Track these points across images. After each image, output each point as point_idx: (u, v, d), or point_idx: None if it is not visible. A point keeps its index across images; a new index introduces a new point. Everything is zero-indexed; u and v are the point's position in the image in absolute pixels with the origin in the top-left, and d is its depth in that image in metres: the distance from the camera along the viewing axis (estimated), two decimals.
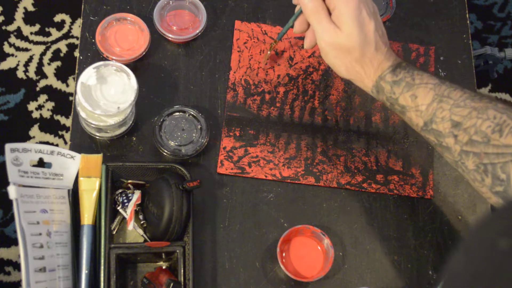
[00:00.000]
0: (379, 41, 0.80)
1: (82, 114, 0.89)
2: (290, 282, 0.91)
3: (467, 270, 0.52)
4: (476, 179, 0.73)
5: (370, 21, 0.79)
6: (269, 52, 0.97)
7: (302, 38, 1.04)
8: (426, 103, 0.76)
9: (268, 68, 1.01)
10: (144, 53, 0.98)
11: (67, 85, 1.66)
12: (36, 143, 1.19)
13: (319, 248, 0.92)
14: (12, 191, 0.79)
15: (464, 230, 0.97)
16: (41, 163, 0.85)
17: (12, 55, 1.68)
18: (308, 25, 0.86)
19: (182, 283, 0.84)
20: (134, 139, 0.95)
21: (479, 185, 0.73)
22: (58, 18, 1.73)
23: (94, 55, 0.98)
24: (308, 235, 0.92)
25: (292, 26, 0.88)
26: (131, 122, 0.94)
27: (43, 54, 1.68)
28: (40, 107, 1.63)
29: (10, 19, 1.72)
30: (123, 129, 0.94)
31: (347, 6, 0.78)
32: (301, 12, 0.85)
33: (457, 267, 0.59)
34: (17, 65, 1.67)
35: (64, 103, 1.65)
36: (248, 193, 0.95)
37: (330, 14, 0.80)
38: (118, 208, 0.89)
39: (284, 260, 0.90)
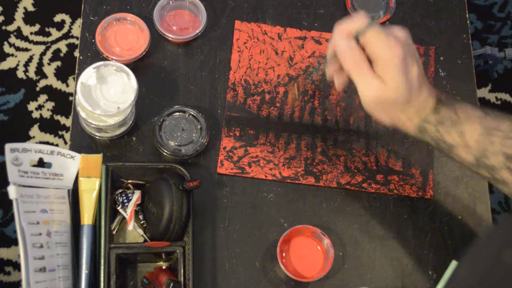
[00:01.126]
0: (421, 83, 0.75)
1: (82, 114, 0.89)
2: (290, 282, 0.91)
3: (471, 281, 0.52)
4: None
5: (413, 67, 0.74)
6: (297, 94, 0.90)
7: (301, 38, 1.04)
8: (474, 139, 0.73)
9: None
10: (144, 53, 0.98)
11: (67, 85, 1.66)
12: (36, 143, 1.19)
13: (319, 248, 0.92)
14: (12, 191, 0.79)
15: (464, 230, 0.97)
16: (41, 163, 0.85)
17: (12, 55, 1.68)
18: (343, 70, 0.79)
19: (182, 283, 0.84)
20: (134, 139, 0.95)
21: None
22: (58, 18, 1.72)
23: (94, 55, 0.98)
24: (308, 235, 0.92)
25: (321, 70, 0.82)
26: (131, 122, 0.94)
27: (43, 54, 1.68)
28: (40, 107, 1.63)
29: (10, 19, 1.71)
30: (123, 129, 0.94)
31: (393, 58, 0.72)
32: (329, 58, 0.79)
33: (461, 279, 0.59)
34: (17, 65, 1.67)
35: (64, 103, 1.65)
36: (248, 193, 0.95)
37: (370, 63, 0.75)
38: (118, 208, 0.89)
39: (284, 260, 0.90)
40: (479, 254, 0.61)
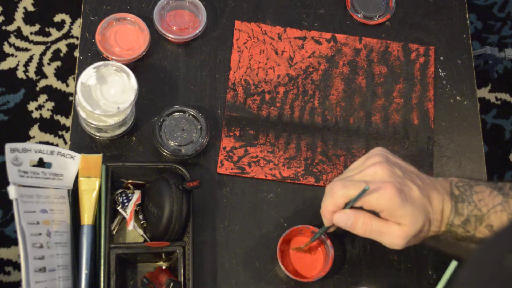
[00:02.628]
0: (427, 191, 0.75)
1: (82, 114, 0.89)
2: (290, 282, 0.91)
3: (473, 286, 0.51)
4: None
5: (412, 189, 0.74)
6: (302, 247, 0.90)
7: (301, 38, 1.04)
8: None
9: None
10: (144, 53, 0.98)
11: (67, 85, 1.66)
12: (36, 143, 1.19)
13: (319, 248, 0.92)
14: (12, 191, 0.79)
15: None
16: (41, 163, 0.85)
17: (12, 55, 1.68)
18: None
19: (182, 283, 0.84)
20: (134, 139, 0.95)
21: None
22: (58, 18, 1.73)
23: (94, 55, 0.98)
24: (308, 235, 0.92)
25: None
26: (131, 122, 0.94)
27: (43, 54, 1.68)
28: (40, 107, 1.63)
29: (10, 19, 1.71)
30: (123, 129, 0.94)
31: (392, 200, 0.72)
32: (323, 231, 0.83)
33: (463, 283, 0.59)
34: (17, 65, 1.67)
35: (64, 103, 1.65)
36: (248, 193, 0.95)
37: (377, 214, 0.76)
38: (118, 208, 0.89)
39: (284, 260, 0.90)
40: (481, 259, 0.61)
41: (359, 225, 0.75)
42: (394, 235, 0.74)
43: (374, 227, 0.75)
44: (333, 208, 0.77)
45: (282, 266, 0.88)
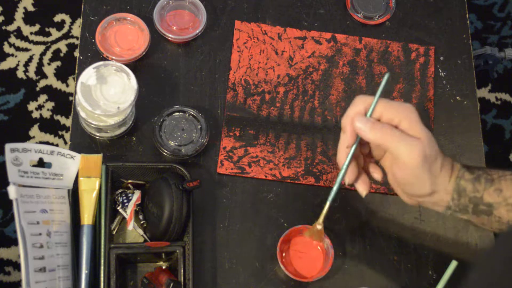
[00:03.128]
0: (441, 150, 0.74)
1: (82, 114, 0.89)
2: (290, 282, 0.91)
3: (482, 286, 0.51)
4: None
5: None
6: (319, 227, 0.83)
7: (301, 38, 1.04)
8: None
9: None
10: (144, 53, 0.98)
11: (67, 85, 1.66)
12: (36, 143, 1.19)
13: (319, 248, 0.92)
14: (12, 191, 0.79)
15: (464, 230, 0.97)
16: (41, 163, 0.85)
17: (12, 55, 1.68)
18: (360, 169, 0.76)
19: (182, 283, 0.84)
20: (134, 139, 0.95)
21: None
22: (58, 18, 1.73)
23: (94, 55, 0.98)
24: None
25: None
26: (131, 122, 0.94)
27: (43, 54, 1.68)
28: (40, 107, 1.63)
29: (10, 19, 1.71)
30: (123, 129, 0.94)
31: (413, 113, 0.71)
32: (348, 164, 0.74)
33: (472, 284, 0.59)
34: (17, 65, 1.67)
35: (64, 103, 1.65)
36: (248, 193, 0.95)
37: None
38: (118, 208, 0.89)
39: (284, 260, 0.90)
40: (491, 260, 0.61)
41: (379, 126, 0.70)
42: (413, 145, 0.69)
43: (395, 132, 0.70)
44: (354, 115, 0.72)
45: (282, 266, 0.88)
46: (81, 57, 0.99)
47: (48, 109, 1.63)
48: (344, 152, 0.74)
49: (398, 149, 0.70)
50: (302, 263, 0.91)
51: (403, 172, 0.72)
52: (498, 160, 1.75)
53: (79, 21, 1.66)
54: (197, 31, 1.00)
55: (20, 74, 1.66)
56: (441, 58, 1.06)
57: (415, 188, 0.74)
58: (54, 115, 1.63)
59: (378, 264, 0.94)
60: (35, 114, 1.63)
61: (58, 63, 1.68)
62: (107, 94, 0.87)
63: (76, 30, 1.72)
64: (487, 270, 0.60)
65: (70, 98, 1.66)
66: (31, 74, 1.66)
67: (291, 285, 0.91)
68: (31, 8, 1.73)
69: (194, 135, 0.93)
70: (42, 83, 1.66)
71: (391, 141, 0.70)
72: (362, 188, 0.76)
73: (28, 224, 0.79)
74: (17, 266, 1.49)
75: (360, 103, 0.73)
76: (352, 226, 0.95)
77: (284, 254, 0.91)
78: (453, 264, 0.92)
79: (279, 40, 1.03)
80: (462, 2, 1.10)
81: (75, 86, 0.88)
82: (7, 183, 0.79)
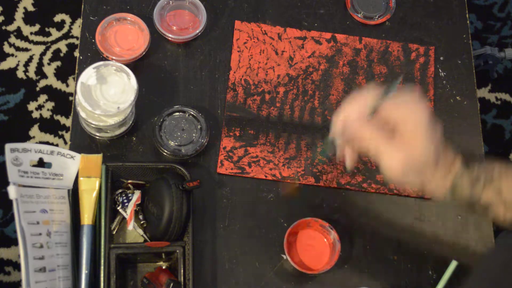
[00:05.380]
0: (446, 142, 0.73)
1: (82, 114, 0.89)
2: (291, 282, 0.91)
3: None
4: None
5: (437, 127, 0.71)
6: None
7: (301, 38, 1.04)
8: None
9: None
10: (144, 53, 0.98)
11: (67, 85, 1.66)
12: (36, 143, 1.19)
13: (325, 241, 0.92)
14: (12, 191, 0.79)
15: (464, 230, 0.96)
16: (41, 163, 0.85)
17: (12, 55, 1.68)
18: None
19: (182, 283, 0.84)
20: (134, 139, 0.95)
21: None
22: (58, 18, 1.72)
23: (94, 55, 0.98)
24: (316, 228, 0.92)
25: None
26: (131, 122, 0.94)
27: (43, 54, 1.68)
28: (40, 107, 1.63)
29: (10, 19, 1.71)
30: (123, 129, 0.94)
31: (421, 121, 0.70)
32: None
33: (473, 284, 0.58)
34: (17, 65, 1.67)
35: (64, 103, 1.65)
36: (248, 193, 0.95)
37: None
38: (118, 208, 0.89)
39: (290, 252, 0.91)
40: (489, 264, 0.61)
41: (374, 129, 0.71)
42: (397, 153, 0.70)
43: (382, 137, 0.71)
44: (361, 104, 0.72)
45: (288, 258, 0.88)
46: (81, 57, 0.99)
47: (48, 109, 1.63)
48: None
49: (381, 155, 0.71)
50: (308, 256, 0.91)
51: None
52: (498, 160, 1.75)
53: (79, 21, 1.66)
54: (197, 31, 1.00)
55: (20, 74, 1.66)
56: (441, 58, 1.06)
57: (402, 183, 0.74)
58: (54, 115, 1.63)
59: (378, 264, 0.94)
60: (35, 114, 1.63)
61: (58, 63, 1.68)
62: (107, 94, 0.87)
63: (76, 30, 1.72)
64: (485, 274, 0.60)
65: (70, 98, 1.66)
66: (31, 74, 1.66)
67: (291, 285, 0.91)
68: (31, 8, 1.72)
69: (194, 135, 0.93)
70: (42, 83, 1.66)
71: (375, 148, 0.71)
72: (349, 162, 0.77)
73: (28, 224, 0.79)
74: (17, 266, 1.49)
75: (370, 96, 0.72)
76: (352, 226, 0.95)
77: (290, 246, 0.91)
78: (453, 264, 0.92)
79: (279, 40, 1.03)
80: (462, 2, 1.10)
81: (75, 86, 0.88)
82: (7, 183, 0.79)
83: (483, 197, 0.73)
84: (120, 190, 0.90)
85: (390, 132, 0.71)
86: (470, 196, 0.73)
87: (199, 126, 0.94)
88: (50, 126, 1.62)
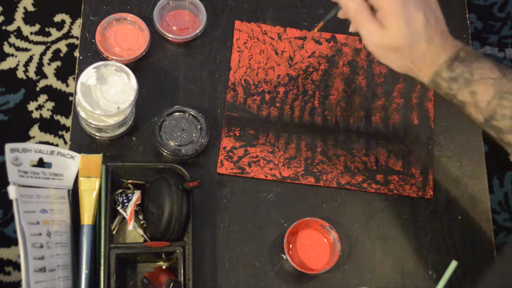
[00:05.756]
0: (432, 33, 0.75)
1: (82, 114, 0.89)
2: (291, 282, 0.91)
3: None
4: None
5: (418, 14, 0.74)
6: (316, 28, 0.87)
7: (301, 38, 1.04)
8: (486, 100, 0.73)
9: (268, 68, 1.00)
10: (144, 53, 0.98)
11: (67, 85, 1.66)
12: (36, 143, 1.19)
13: (325, 241, 0.92)
14: (12, 191, 0.79)
15: (464, 230, 0.97)
16: (41, 163, 0.85)
17: (12, 55, 1.68)
18: None
19: (182, 283, 0.84)
20: (134, 139, 0.95)
21: None
22: (58, 18, 1.72)
23: (94, 55, 0.98)
24: (316, 228, 0.92)
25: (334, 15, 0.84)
26: (131, 122, 0.94)
27: (43, 54, 1.68)
28: (40, 107, 1.63)
29: (10, 19, 1.71)
30: (123, 129, 0.94)
31: (393, 3, 0.73)
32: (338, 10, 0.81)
33: (491, 283, 0.59)
34: (17, 65, 1.67)
35: (64, 103, 1.65)
36: (248, 193, 0.95)
37: (374, 12, 0.76)
38: (118, 208, 0.89)
39: (290, 252, 0.91)
40: (504, 268, 0.61)
41: (356, 4, 0.75)
42: (373, 31, 0.75)
43: (363, 13, 0.75)
44: None
45: (288, 258, 0.88)
46: (81, 57, 0.99)
47: (48, 109, 1.63)
48: None
49: (360, 31, 0.76)
50: (308, 256, 0.91)
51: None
52: (498, 161, 1.75)
53: (79, 21, 1.66)
54: (197, 31, 1.00)
55: (20, 74, 1.66)
56: None
57: (387, 65, 0.79)
58: (54, 115, 1.63)
59: (378, 264, 0.94)
60: (35, 114, 1.63)
61: (58, 63, 1.68)
62: (107, 94, 0.87)
63: (76, 30, 1.72)
64: (502, 274, 0.60)
65: (70, 98, 1.66)
66: (31, 74, 1.66)
67: (291, 285, 0.91)
68: (31, 8, 1.73)
69: (194, 135, 0.93)
70: (42, 83, 1.66)
71: (356, 23, 0.76)
72: (352, 27, 0.80)
73: (28, 224, 0.79)
74: (17, 266, 1.49)
75: None
76: (352, 226, 0.95)
77: (291, 246, 0.91)
78: (453, 264, 0.92)
79: (279, 40, 1.03)
80: (462, 2, 1.10)
81: (75, 86, 0.88)
82: (7, 183, 0.79)
83: (459, 96, 0.75)
84: (120, 190, 0.90)
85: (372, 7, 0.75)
86: (447, 92, 0.76)
87: (199, 126, 0.94)
88: (50, 126, 1.62)
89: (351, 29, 0.80)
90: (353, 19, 0.76)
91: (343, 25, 1.06)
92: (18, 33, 1.70)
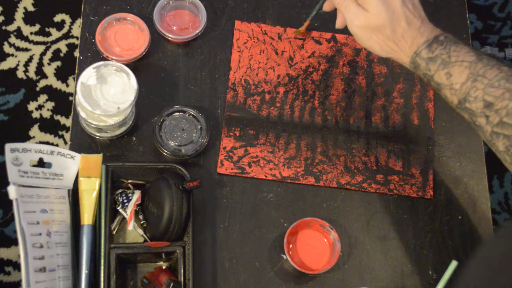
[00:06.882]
0: (410, 15, 0.80)
1: (82, 114, 0.89)
2: (291, 282, 0.91)
3: (481, 281, 0.52)
4: (506, 160, 0.74)
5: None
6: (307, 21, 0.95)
7: (301, 38, 1.04)
8: (460, 82, 0.76)
9: (268, 68, 1.01)
10: (144, 53, 0.98)
11: (67, 85, 1.66)
12: (36, 143, 1.19)
13: (325, 241, 0.92)
14: (12, 191, 0.79)
15: (464, 230, 0.97)
16: (41, 163, 0.85)
17: (12, 55, 1.68)
18: None
19: (182, 283, 0.84)
20: (134, 139, 0.95)
21: (510, 167, 0.74)
22: (58, 18, 1.72)
23: (94, 55, 0.98)
24: (316, 228, 0.92)
25: (320, 9, 0.92)
26: (131, 122, 0.94)
27: (43, 54, 1.68)
28: (40, 107, 1.63)
29: (10, 19, 1.71)
30: (123, 129, 0.94)
31: None
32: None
33: (470, 278, 0.59)
34: (17, 65, 1.67)
35: (64, 103, 1.65)
36: (248, 193, 0.95)
37: None
38: (118, 208, 0.89)
39: (290, 252, 0.91)
40: (488, 254, 0.62)
41: None
42: (356, 14, 0.80)
43: (348, 0, 0.82)
44: None
45: (288, 258, 0.88)
46: (81, 57, 0.99)
47: (48, 109, 1.63)
48: None
49: (345, 16, 0.82)
50: (309, 256, 0.91)
51: (353, 35, 0.84)
52: (498, 160, 1.75)
53: (79, 21, 1.66)
54: (197, 31, 1.00)
55: (20, 74, 1.66)
56: None
57: (369, 49, 0.84)
58: (54, 115, 1.63)
59: (378, 264, 0.94)
60: (35, 114, 1.63)
61: (58, 63, 1.68)
62: (107, 94, 0.87)
63: (76, 30, 1.72)
64: (485, 262, 0.60)
65: (70, 98, 1.66)
66: (31, 74, 1.66)
67: (291, 285, 0.91)
68: (31, 8, 1.72)
69: (194, 135, 0.93)
70: (42, 83, 1.66)
71: (341, 7, 0.83)
72: (337, 22, 0.87)
73: (28, 224, 0.79)
74: (17, 266, 1.49)
75: None
76: (352, 226, 0.95)
77: (291, 246, 0.91)
78: (453, 264, 0.92)
79: (279, 40, 1.03)
80: (462, 2, 1.10)
81: (75, 86, 0.88)
82: (7, 183, 0.79)
83: (435, 77, 0.79)
84: (120, 190, 0.90)
85: None
86: (425, 73, 0.80)
87: (199, 126, 0.94)
88: (50, 126, 1.62)
89: (338, 24, 0.86)
90: (339, 5, 0.83)
91: None
92: (18, 33, 1.70)
